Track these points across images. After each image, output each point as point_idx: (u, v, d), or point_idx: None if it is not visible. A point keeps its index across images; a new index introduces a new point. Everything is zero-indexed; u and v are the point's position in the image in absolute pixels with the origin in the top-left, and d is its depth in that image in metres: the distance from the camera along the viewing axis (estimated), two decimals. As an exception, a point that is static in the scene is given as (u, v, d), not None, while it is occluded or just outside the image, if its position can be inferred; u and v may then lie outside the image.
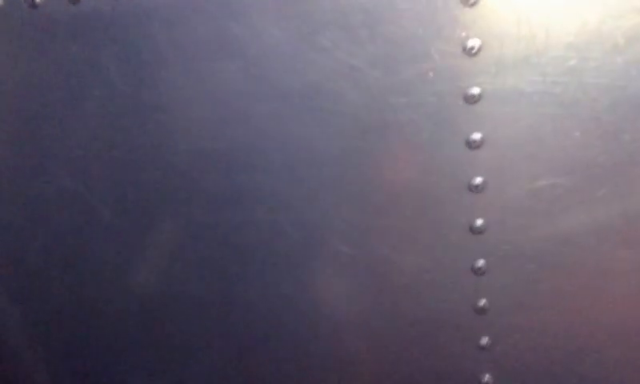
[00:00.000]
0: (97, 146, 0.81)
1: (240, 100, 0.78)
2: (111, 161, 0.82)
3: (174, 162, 0.82)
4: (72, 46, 0.75)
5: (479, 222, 0.83)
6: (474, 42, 0.74)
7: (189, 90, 0.78)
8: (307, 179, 0.83)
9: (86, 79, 0.77)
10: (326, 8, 0.74)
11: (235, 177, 0.83)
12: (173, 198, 0.84)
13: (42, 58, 0.76)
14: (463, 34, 0.73)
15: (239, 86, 0.78)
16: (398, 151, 0.81)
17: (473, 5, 0.72)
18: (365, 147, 0.80)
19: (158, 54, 0.76)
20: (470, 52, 0.74)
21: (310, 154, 0.81)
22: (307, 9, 0.74)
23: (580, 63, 0.73)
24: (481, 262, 0.86)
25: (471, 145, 0.79)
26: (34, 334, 0.93)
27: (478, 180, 0.81)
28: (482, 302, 0.88)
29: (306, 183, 0.83)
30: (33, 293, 0.91)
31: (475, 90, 0.76)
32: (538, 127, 0.77)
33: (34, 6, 0.72)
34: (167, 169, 0.83)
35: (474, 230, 0.84)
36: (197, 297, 0.91)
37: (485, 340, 0.91)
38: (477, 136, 0.78)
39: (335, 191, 0.83)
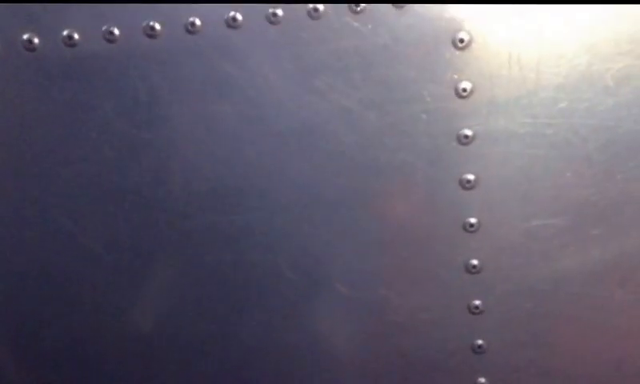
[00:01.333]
0: (93, 188, 0.82)
1: (235, 141, 0.79)
2: (107, 202, 0.83)
3: (169, 203, 0.82)
4: (69, 88, 0.76)
5: (475, 261, 0.83)
6: (465, 84, 0.75)
7: (185, 132, 0.79)
8: (303, 220, 0.83)
9: (83, 121, 0.78)
10: (321, 52, 0.75)
11: (231, 218, 0.83)
12: (168, 238, 0.84)
13: (39, 101, 0.77)
14: (455, 76, 0.75)
15: (235, 128, 0.79)
16: (392, 192, 0.81)
17: (463, 48, 0.73)
18: (359, 188, 0.81)
19: (154, 95, 0.77)
20: (461, 94, 0.75)
21: (305, 195, 0.82)
22: (302, 52, 0.75)
23: (570, 105, 0.74)
24: (477, 302, 0.85)
25: (465, 185, 0.79)
26: (28, 378, 0.92)
27: (473, 220, 0.81)
28: (479, 341, 0.87)
29: (301, 224, 0.83)
30: (28, 336, 0.90)
31: (468, 132, 0.77)
32: (531, 168, 0.77)
33: (31, 49, 0.74)
34: (163, 209, 0.83)
35: (470, 270, 0.84)
36: (192, 338, 0.90)
37: (482, 380, 0.90)
38: (470, 176, 0.79)
39: (331, 232, 0.83)
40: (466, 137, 0.77)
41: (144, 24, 0.74)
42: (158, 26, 0.74)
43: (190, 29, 0.74)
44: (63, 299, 0.88)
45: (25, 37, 0.74)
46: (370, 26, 0.74)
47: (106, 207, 0.83)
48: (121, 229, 0.84)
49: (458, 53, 0.74)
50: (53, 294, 0.88)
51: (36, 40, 0.74)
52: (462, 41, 0.73)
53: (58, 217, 0.83)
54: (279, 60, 0.76)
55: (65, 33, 0.74)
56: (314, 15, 0.74)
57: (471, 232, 0.82)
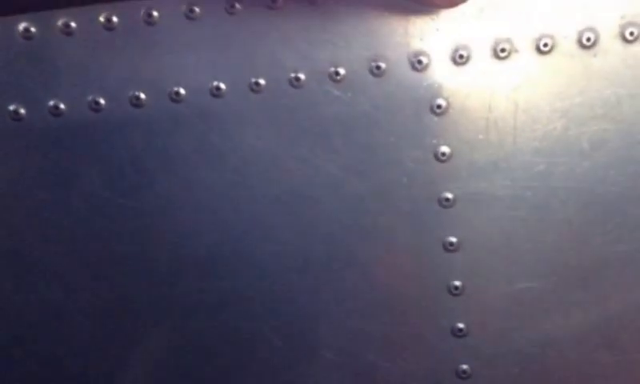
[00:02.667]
0: (78, 257, 0.82)
1: (219, 208, 0.80)
2: (92, 270, 0.82)
3: (155, 271, 0.82)
4: (55, 157, 0.77)
5: (460, 325, 0.83)
6: (444, 149, 0.76)
7: (170, 200, 0.80)
8: (288, 285, 0.83)
9: (68, 190, 0.79)
10: (303, 119, 0.77)
11: (216, 284, 0.83)
12: (155, 306, 0.84)
13: (24, 170, 0.78)
14: (434, 141, 0.76)
15: (219, 195, 0.80)
16: (376, 256, 0.81)
17: (441, 114, 0.75)
18: (343, 253, 0.81)
19: (139, 164, 0.78)
20: (441, 158, 0.76)
21: (290, 260, 0.82)
22: (284, 120, 0.77)
23: (548, 168, 0.75)
24: (464, 366, 0.84)
25: (448, 248, 0.80)
26: None
27: (457, 283, 0.81)
28: None
29: (287, 289, 0.83)
30: None
31: (449, 195, 0.78)
32: (512, 231, 0.78)
33: (17, 119, 0.75)
34: (148, 278, 0.83)
35: (456, 334, 0.83)
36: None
37: None
38: (453, 239, 0.79)
39: (317, 297, 0.83)
40: (447, 200, 0.78)
41: (129, 94, 0.76)
42: (143, 96, 0.76)
43: (175, 98, 0.76)
44: (47, 368, 0.87)
45: (11, 108, 0.75)
46: (350, 94, 0.76)
47: (91, 276, 0.82)
48: (106, 297, 0.83)
49: (436, 119, 0.75)
50: (36, 365, 0.86)
51: (22, 111, 0.75)
52: (439, 107, 0.75)
53: (42, 285, 0.82)
54: (262, 127, 0.77)
55: (51, 103, 0.75)
56: (295, 84, 0.75)
57: (456, 295, 0.81)
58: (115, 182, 0.78)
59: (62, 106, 0.75)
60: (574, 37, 0.71)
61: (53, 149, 0.77)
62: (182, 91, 0.76)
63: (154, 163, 0.78)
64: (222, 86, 0.76)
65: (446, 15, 0.73)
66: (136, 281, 0.82)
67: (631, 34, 0.70)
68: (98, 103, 0.76)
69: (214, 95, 0.76)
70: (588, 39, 0.70)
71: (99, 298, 0.83)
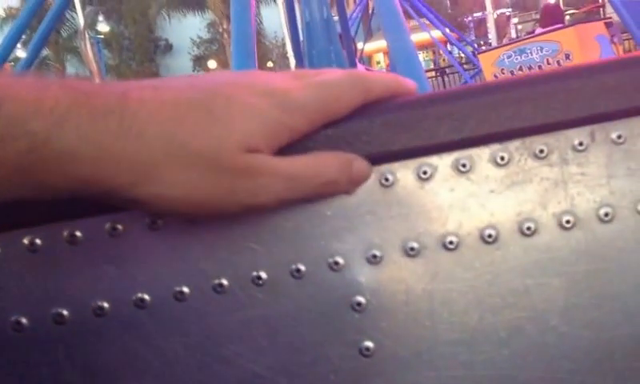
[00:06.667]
0: None
1: (146, 417, 0.78)
2: None
3: None
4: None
5: None
6: (367, 344, 0.78)
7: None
8: None
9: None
10: (228, 323, 0.78)
11: None
12: None
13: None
14: (357, 337, 0.78)
15: (145, 404, 0.78)
16: None
17: (362, 311, 0.77)
18: None
19: (63, 381, 0.77)
20: (365, 353, 0.78)
21: None
22: (210, 325, 0.78)
23: (469, 357, 0.77)
24: None
25: None
26: None
27: None
28: None
29: None
30: None
31: None
32: (441, 422, 0.78)
33: None
34: None
35: None
36: None
37: None
38: None
39: None
40: None
41: (52, 311, 0.76)
42: (66, 313, 0.76)
43: (99, 312, 0.77)
44: None
45: None
46: (272, 297, 0.78)
47: None
48: None
49: (357, 315, 0.77)
50: None
51: None
52: (359, 304, 0.77)
53: None
54: (187, 334, 0.78)
55: None
56: (219, 290, 0.77)
57: None
58: None
59: None
60: (477, 234, 0.75)
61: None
62: (106, 305, 0.77)
63: (78, 378, 0.77)
64: (146, 297, 0.77)
65: (359, 218, 0.77)
66: None
67: (528, 228, 0.74)
68: (20, 323, 0.76)
69: (138, 306, 0.77)
70: (489, 235, 0.75)
71: None
